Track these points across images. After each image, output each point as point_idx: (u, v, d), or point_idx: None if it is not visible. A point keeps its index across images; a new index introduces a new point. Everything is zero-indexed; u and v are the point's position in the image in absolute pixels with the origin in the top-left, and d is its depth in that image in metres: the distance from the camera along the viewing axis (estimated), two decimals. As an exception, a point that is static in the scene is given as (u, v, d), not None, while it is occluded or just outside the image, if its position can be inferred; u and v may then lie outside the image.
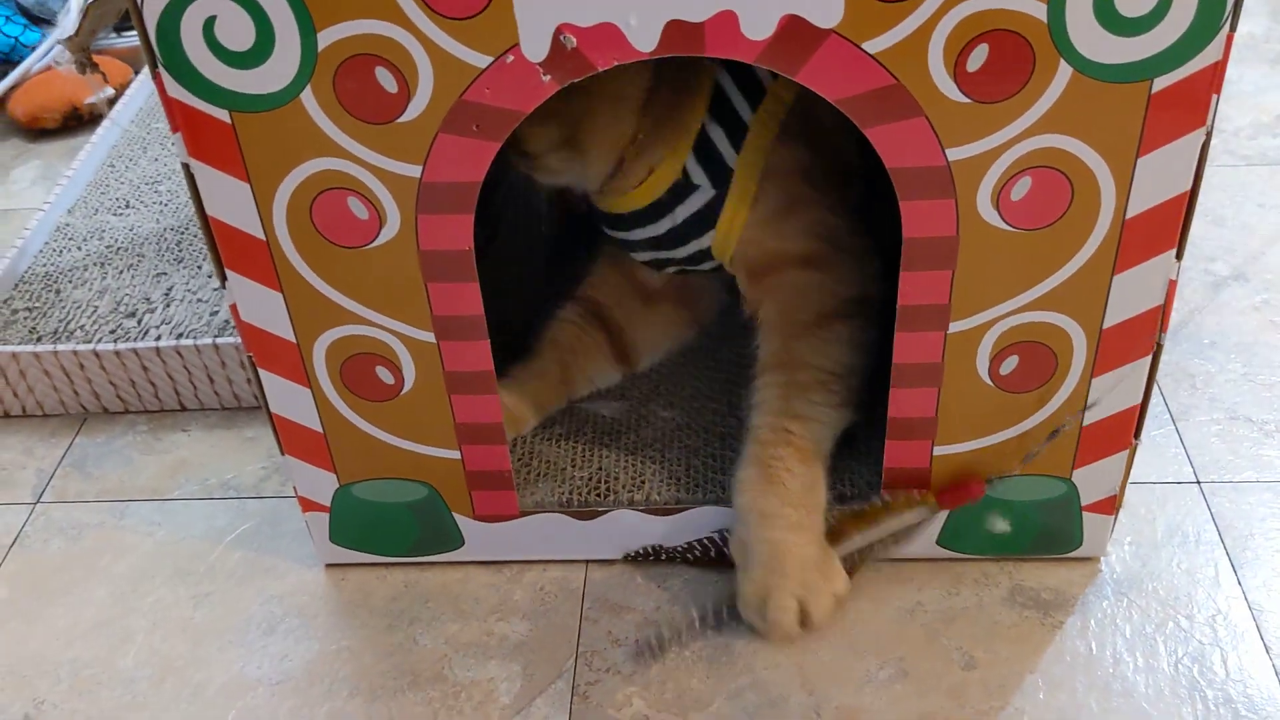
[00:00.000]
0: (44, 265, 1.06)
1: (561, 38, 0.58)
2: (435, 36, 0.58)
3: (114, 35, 1.44)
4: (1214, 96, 0.59)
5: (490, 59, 0.59)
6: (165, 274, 1.03)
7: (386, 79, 0.60)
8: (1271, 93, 1.24)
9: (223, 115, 0.62)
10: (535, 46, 0.59)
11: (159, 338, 0.95)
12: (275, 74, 0.60)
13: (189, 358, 0.94)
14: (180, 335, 0.95)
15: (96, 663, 0.78)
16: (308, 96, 0.61)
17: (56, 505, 0.89)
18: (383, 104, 0.61)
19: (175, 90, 0.61)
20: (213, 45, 0.59)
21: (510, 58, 0.59)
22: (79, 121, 1.36)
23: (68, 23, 1.35)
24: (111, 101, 1.31)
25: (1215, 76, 0.58)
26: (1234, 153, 1.16)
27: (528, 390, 0.84)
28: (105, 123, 1.24)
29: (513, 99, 0.60)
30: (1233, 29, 0.57)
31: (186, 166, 0.64)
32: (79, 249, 1.07)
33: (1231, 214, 1.08)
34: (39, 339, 0.97)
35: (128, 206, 1.13)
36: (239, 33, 0.59)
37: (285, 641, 0.78)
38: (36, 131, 1.36)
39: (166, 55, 0.60)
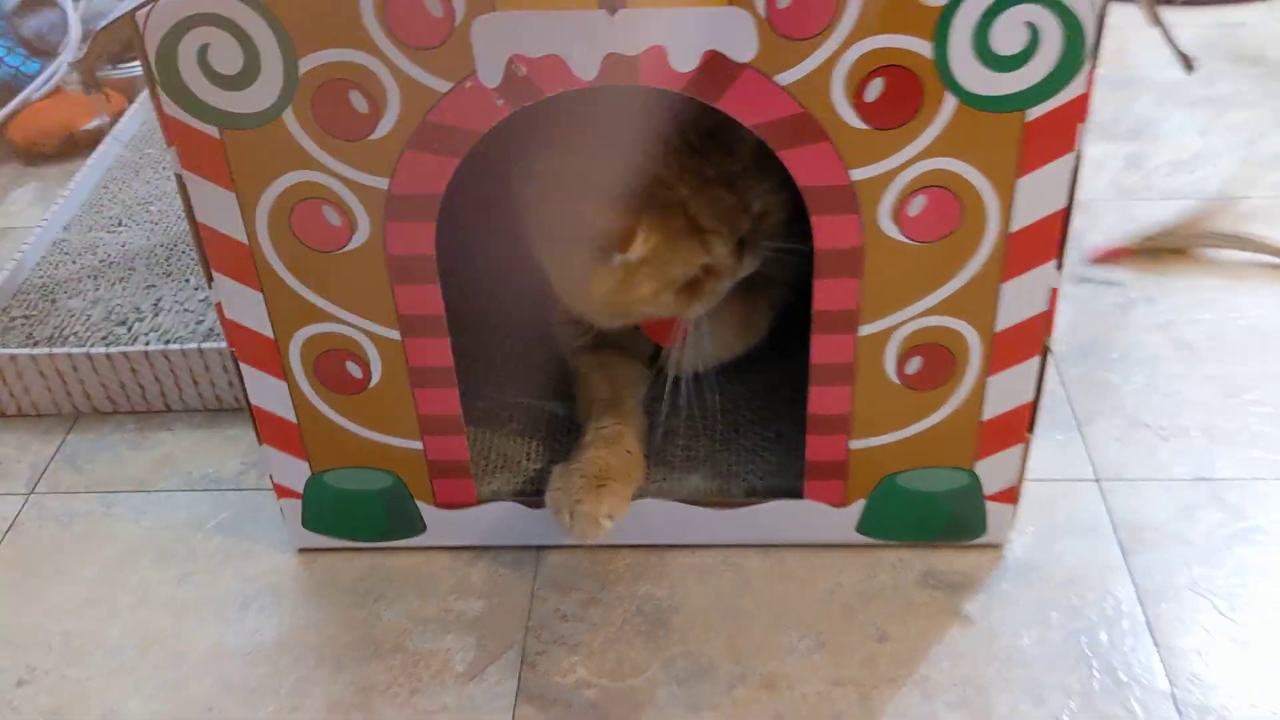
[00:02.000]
0: (41, 277, 1.13)
1: (514, 67, 0.67)
2: (402, 64, 0.67)
3: (109, 68, 1.53)
4: (1080, 125, 0.67)
5: (451, 84, 0.67)
6: (154, 286, 1.11)
7: (359, 101, 0.68)
8: (1191, 133, 1.34)
9: (213, 131, 0.70)
10: (491, 74, 0.67)
11: (148, 343, 1.02)
12: (260, 95, 0.68)
13: (175, 361, 1.01)
14: (168, 341, 1.02)
15: (85, 634, 0.84)
16: (289, 116, 0.69)
17: (50, 495, 0.96)
18: (355, 123, 0.69)
19: (171, 109, 0.69)
20: (205, 69, 0.68)
21: (469, 84, 0.67)
22: (75, 147, 1.44)
23: (67, 54, 1.44)
24: (106, 129, 1.39)
25: (1081, 107, 0.67)
26: (1152, 187, 1.25)
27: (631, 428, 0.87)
28: (100, 147, 1.32)
29: (471, 120, 0.69)
30: (1094, 67, 0.65)
31: (179, 177, 0.72)
32: (74, 263, 1.15)
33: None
34: (35, 344, 1.04)
35: (120, 224, 1.20)
36: (229, 59, 0.67)
37: (259, 616, 0.85)
38: (34, 156, 1.44)
39: (164, 78, 0.68)
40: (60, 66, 1.47)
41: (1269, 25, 1.56)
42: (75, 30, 1.50)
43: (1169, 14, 1.63)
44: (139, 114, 1.39)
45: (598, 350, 0.93)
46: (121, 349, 1.01)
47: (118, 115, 1.40)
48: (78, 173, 1.27)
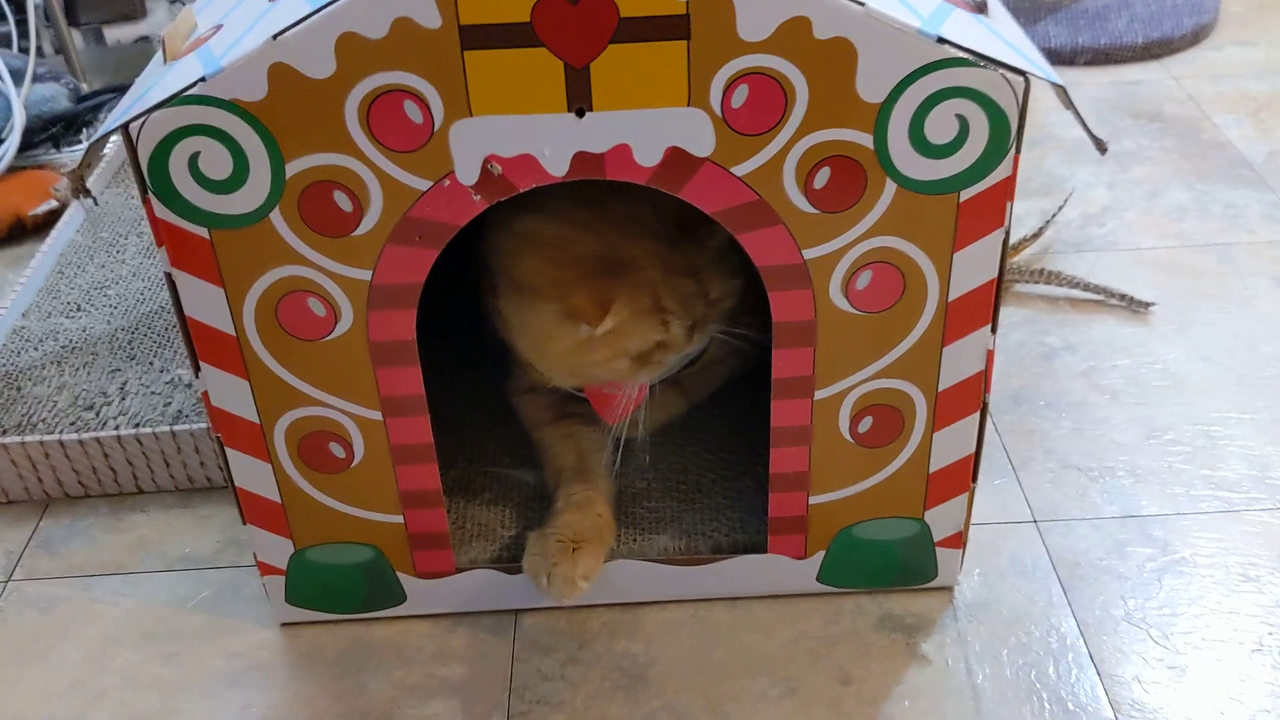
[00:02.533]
0: (3, 365, 1.14)
1: (489, 166, 0.72)
2: (384, 166, 0.71)
3: (54, 151, 1.55)
4: (1008, 203, 0.74)
5: (430, 183, 0.72)
6: (119, 370, 1.13)
7: (343, 200, 0.73)
8: (1098, 188, 1.43)
9: (202, 232, 0.74)
10: (468, 173, 0.72)
11: (118, 427, 1.04)
12: (249, 198, 0.72)
13: (147, 444, 1.04)
14: (138, 425, 1.05)
15: (74, 718, 0.86)
16: (276, 216, 0.73)
17: (27, 582, 0.98)
18: (340, 221, 0.73)
19: (162, 212, 0.73)
20: (196, 176, 0.71)
21: (447, 182, 0.72)
22: (23, 231, 1.45)
23: (13, 140, 1.45)
24: (57, 213, 1.41)
25: (1008, 188, 0.73)
26: (1065, 241, 1.33)
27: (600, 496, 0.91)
28: (53, 233, 1.34)
29: (448, 215, 0.73)
30: (1018, 151, 0.72)
31: (169, 275, 0.75)
32: (36, 349, 1.17)
33: (1063, 294, 1.25)
34: (4, 431, 1.05)
35: (79, 309, 1.22)
36: (219, 165, 0.71)
37: (248, 692, 0.88)
38: (-18, 242, 1.45)
39: (156, 184, 0.72)
40: (7, 152, 1.49)
41: (1164, 83, 1.67)
42: (19, 116, 1.52)
43: (1072, 73, 1.74)
44: (89, 198, 1.41)
45: (559, 422, 0.97)
46: (92, 434, 1.03)
47: (69, 200, 1.42)
48: (33, 259, 1.29)
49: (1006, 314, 1.22)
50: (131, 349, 1.16)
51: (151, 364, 1.14)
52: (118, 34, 1.86)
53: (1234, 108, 1.60)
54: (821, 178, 0.72)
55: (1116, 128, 1.56)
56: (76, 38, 1.81)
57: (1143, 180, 1.45)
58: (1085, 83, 1.67)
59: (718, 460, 0.98)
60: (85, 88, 1.68)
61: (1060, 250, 1.32)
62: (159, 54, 0.77)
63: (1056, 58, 1.72)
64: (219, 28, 0.75)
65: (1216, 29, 1.82)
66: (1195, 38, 1.78)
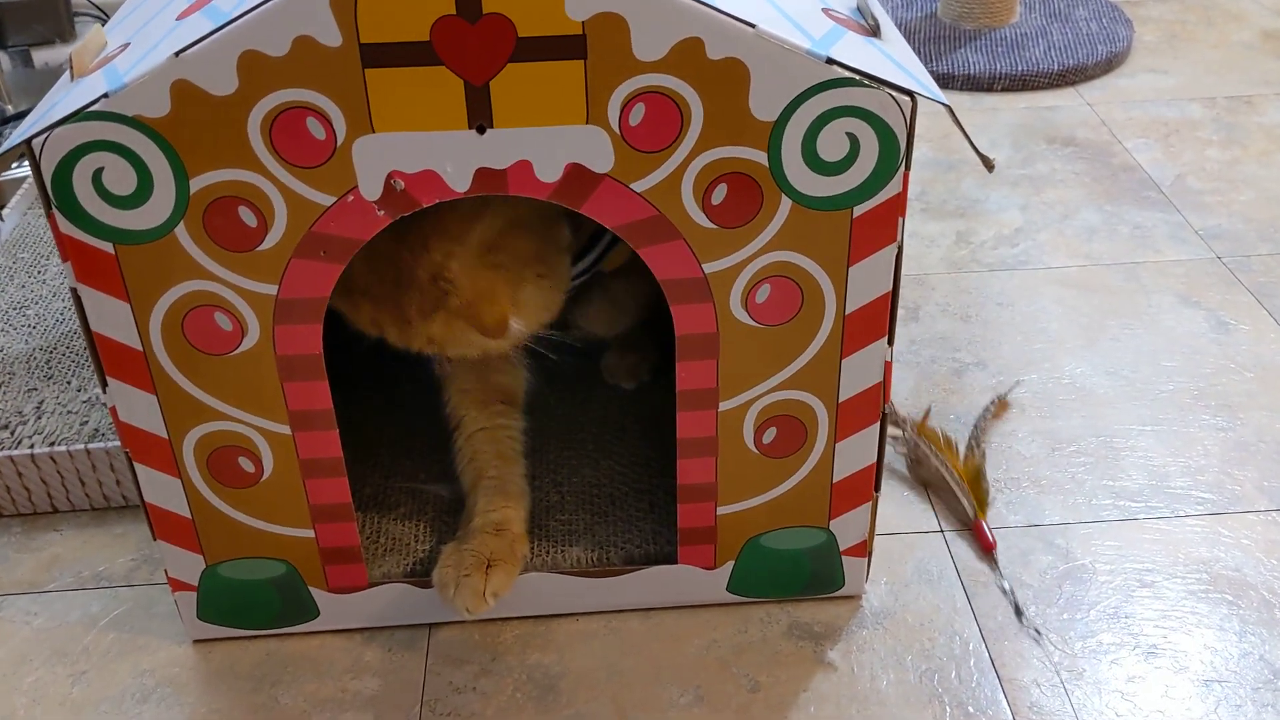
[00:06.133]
0: (-83, 385, 1.14)
1: (392, 182, 0.73)
2: (288, 182, 0.72)
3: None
4: (900, 219, 0.77)
5: (334, 198, 0.73)
6: (36, 389, 1.13)
7: (248, 215, 0.73)
8: (1011, 210, 1.47)
9: (107, 247, 0.74)
10: (371, 188, 0.73)
11: (33, 446, 1.04)
12: (153, 213, 0.73)
13: (62, 463, 1.03)
14: (53, 443, 1.04)
15: (-20, 738, 0.86)
16: (181, 231, 0.74)
17: (-64, 602, 0.97)
18: (245, 236, 0.74)
19: (67, 228, 0.73)
20: (100, 191, 0.72)
21: (351, 197, 0.73)
22: (-57, 252, 1.44)
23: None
24: (-23, 233, 1.39)
25: (899, 204, 0.76)
26: (979, 261, 1.37)
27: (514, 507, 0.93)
28: (-28, 253, 1.33)
29: (353, 230, 0.74)
30: (907, 169, 0.75)
31: (75, 290, 0.76)
32: (-49, 369, 1.16)
33: (975, 312, 1.28)
34: (-84, 452, 1.04)
35: (-3, 329, 1.22)
36: (123, 180, 0.72)
37: (158, 708, 0.87)
38: (-99, 262, 1.43)
39: (60, 199, 0.72)
40: (-74, 173, 1.47)
41: (1078, 109, 1.72)
42: (-59, 136, 1.51)
43: (990, 99, 1.78)
44: (11, 218, 1.40)
45: (486, 405, 0.98)
46: (6, 453, 1.03)
47: (-12, 220, 1.41)
48: (-50, 279, 1.28)
49: (919, 331, 1.25)
50: (49, 368, 1.16)
51: (69, 383, 1.13)
52: (46, 57, 1.85)
53: (1144, 133, 1.65)
54: (719, 194, 0.74)
55: (1032, 151, 1.61)
56: (4, 60, 1.80)
57: (1055, 202, 1.49)
58: (1003, 108, 1.72)
59: (631, 473, 1.00)
60: (10, 109, 1.67)
61: (974, 270, 1.36)
62: (66, 72, 0.77)
63: (975, 84, 1.76)
64: (126, 46, 0.76)
65: (1129, 57, 1.88)
66: (1109, 65, 1.83)
